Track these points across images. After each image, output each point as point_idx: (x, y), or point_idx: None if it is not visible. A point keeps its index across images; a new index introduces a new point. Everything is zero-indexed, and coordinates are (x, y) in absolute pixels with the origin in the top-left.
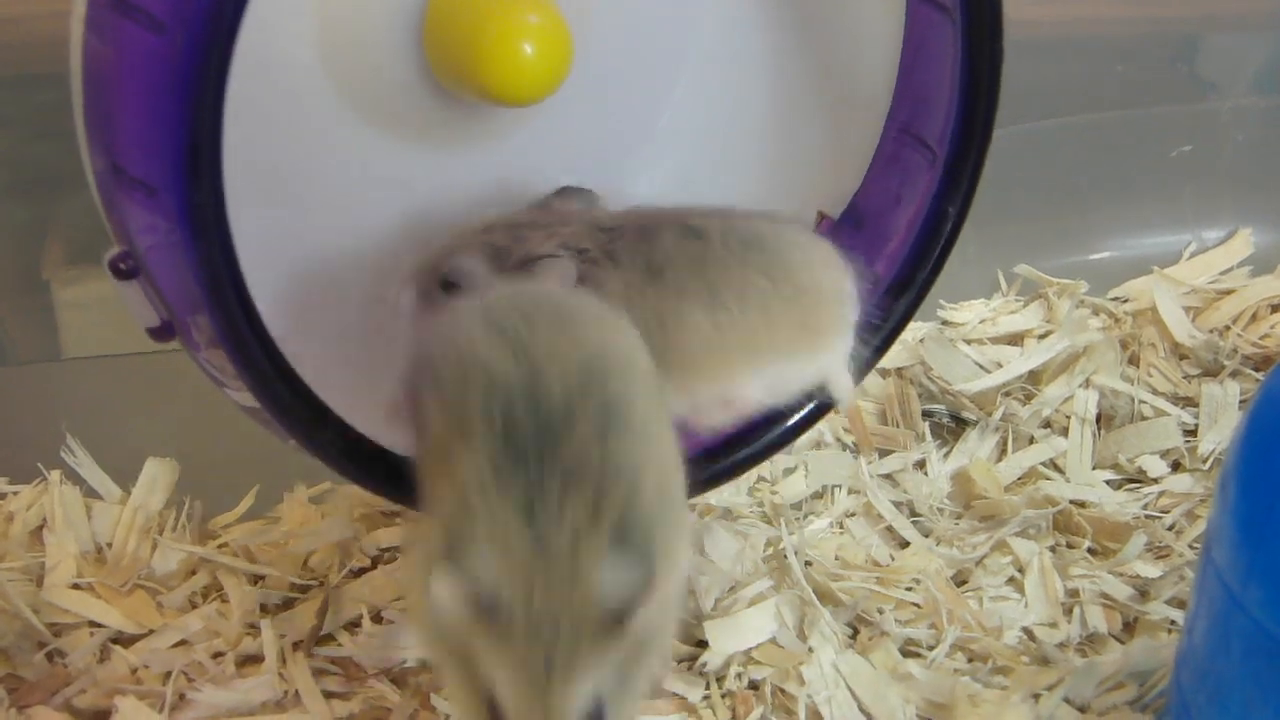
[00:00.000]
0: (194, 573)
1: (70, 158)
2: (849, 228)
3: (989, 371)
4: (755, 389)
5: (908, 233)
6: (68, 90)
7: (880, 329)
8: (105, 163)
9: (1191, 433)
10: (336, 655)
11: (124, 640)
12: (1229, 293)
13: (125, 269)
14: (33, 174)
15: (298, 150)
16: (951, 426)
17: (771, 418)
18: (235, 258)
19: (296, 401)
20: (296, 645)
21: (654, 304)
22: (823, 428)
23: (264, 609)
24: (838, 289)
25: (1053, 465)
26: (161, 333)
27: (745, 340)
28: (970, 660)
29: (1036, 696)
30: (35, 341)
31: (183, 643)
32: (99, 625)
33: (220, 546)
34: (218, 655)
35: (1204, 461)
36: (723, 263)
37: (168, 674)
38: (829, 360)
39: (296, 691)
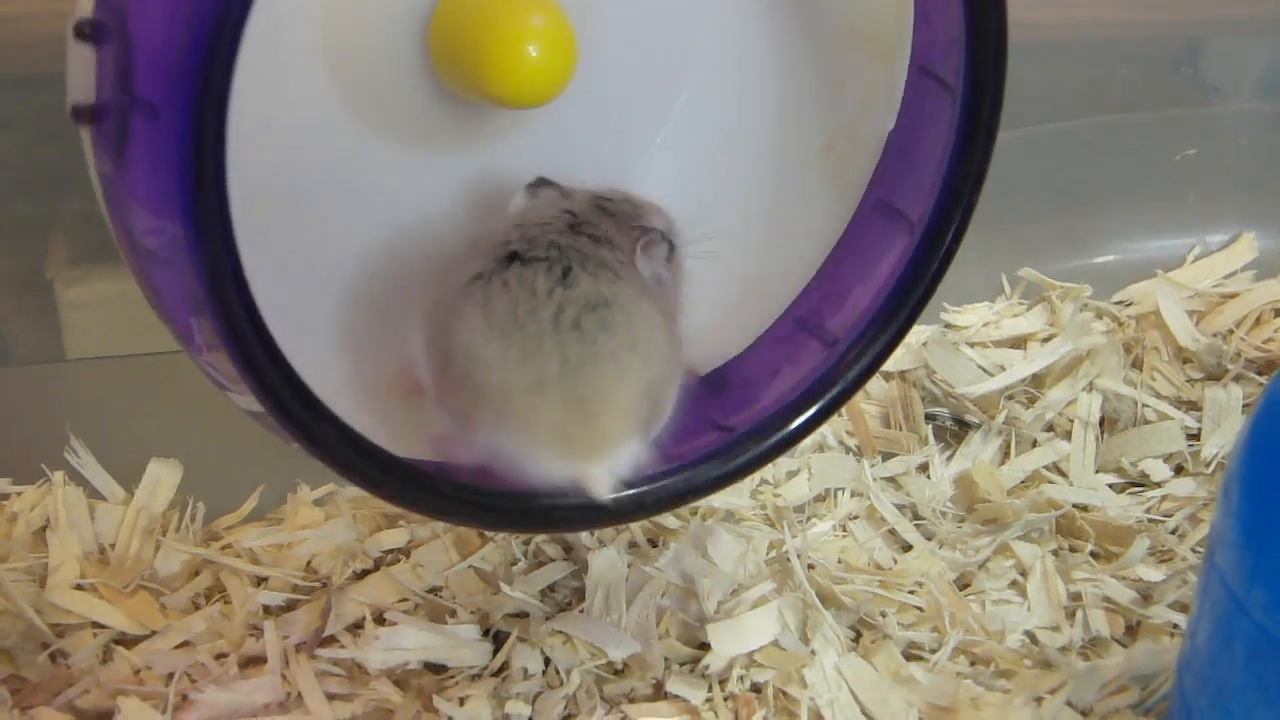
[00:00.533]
0: (197, 574)
1: (73, 158)
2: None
3: (992, 375)
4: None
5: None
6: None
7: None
8: (111, 169)
9: (1194, 436)
10: (339, 657)
11: (127, 641)
12: (1233, 296)
13: (88, 32)
14: (36, 174)
15: (302, 153)
16: (954, 429)
17: (772, 421)
18: (239, 259)
19: (299, 405)
20: (299, 647)
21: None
22: (826, 431)
23: (266, 610)
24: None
25: (1055, 469)
26: (84, 115)
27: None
28: (973, 664)
29: (1039, 700)
30: (38, 341)
31: (186, 644)
32: (102, 626)
33: (224, 548)
34: (220, 656)
35: (1207, 465)
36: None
37: (170, 675)
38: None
39: (299, 693)
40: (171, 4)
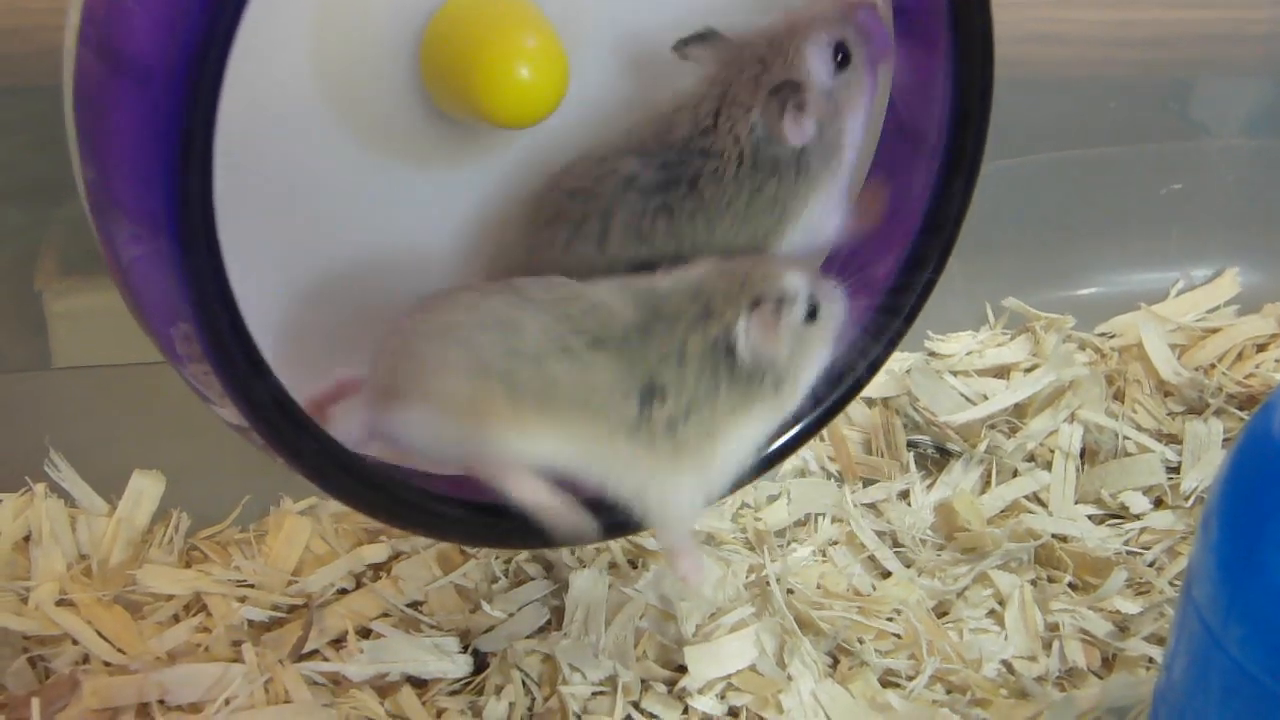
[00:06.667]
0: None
1: (65, 167)
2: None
3: (974, 403)
4: None
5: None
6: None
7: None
8: (95, 177)
9: (1174, 470)
10: (321, 669)
11: (107, 654)
12: (1215, 331)
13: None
14: (28, 183)
15: (292, 170)
16: (936, 457)
17: None
18: (225, 275)
19: (284, 419)
20: (282, 661)
21: None
22: (807, 455)
23: (250, 624)
24: None
25: (1036, 499)
26: None
27: None
28: (949, 692)
29: None
30: (26, 353)
31: (168, 658)
32: (83, 640)
33: (205, 561)
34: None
35: (1186, 499)
36: None
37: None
38: None
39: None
40: (158, 20)
